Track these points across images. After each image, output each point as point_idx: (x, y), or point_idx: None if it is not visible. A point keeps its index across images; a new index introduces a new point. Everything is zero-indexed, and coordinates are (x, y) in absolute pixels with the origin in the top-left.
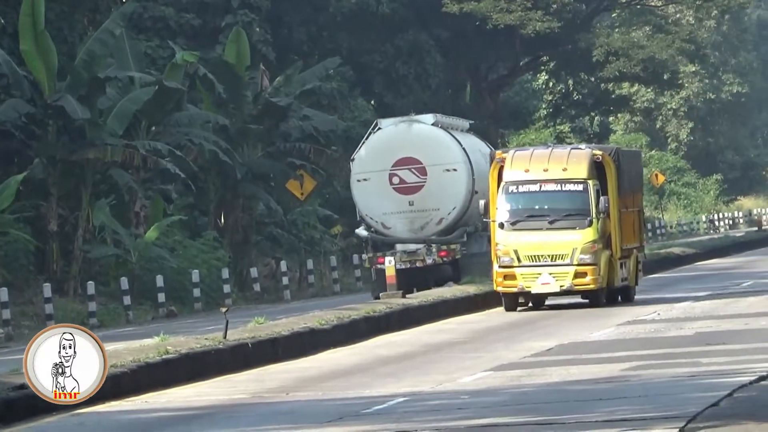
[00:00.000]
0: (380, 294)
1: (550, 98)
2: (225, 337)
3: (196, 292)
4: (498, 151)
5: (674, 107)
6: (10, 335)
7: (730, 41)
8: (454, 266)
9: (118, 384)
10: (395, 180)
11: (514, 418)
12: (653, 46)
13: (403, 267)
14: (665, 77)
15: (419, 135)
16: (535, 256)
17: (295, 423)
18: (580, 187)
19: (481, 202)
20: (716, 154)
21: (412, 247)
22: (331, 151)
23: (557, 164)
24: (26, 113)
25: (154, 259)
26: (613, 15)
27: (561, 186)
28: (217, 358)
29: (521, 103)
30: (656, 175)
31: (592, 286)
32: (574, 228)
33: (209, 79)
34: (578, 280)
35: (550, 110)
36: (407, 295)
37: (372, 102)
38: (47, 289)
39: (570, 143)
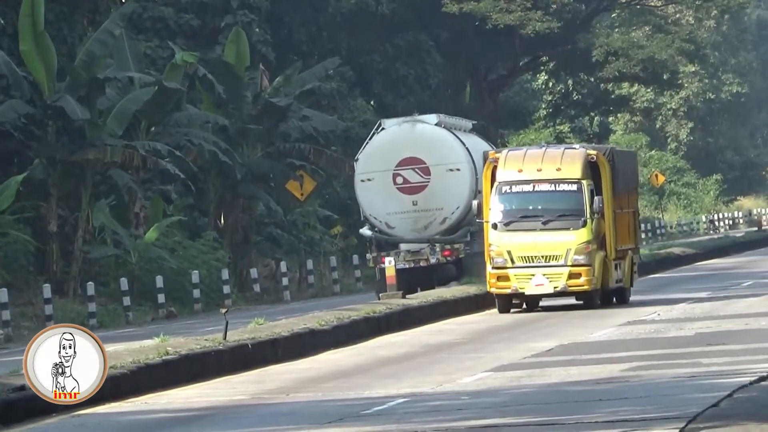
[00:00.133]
0: (380, 294)
1: (549, 98)
2: (225, 338)
3: (196, 292)
4: (491, 151)
5: (674, 107)
6: (10, 336)
7: (729, 41)
8: (457, 266)
9: (118, 385)
10: (399, 180)
11: (515, 419)
12: (653, 46)
13: (407, 266)
14: (665, 77)
15: (423, 135)
16: (528, 257)
17: (295, 424)
18: (574, 187)
19: (474, 203)
20: (716, 154)
21: (415, 246)
22: (330, 151)
23: (551, 164)
24: (26, 114)
25: (154, 260)
26: (613, 15)
27: (555, 186)
28: (217, 359)
29: (521, 103)
30: (656, 176)
31: (586, 288)
32: (568, 228)
33: (209, 80)
34: (572, 281)
35: (550, 110)
36: (408, 296)
37: (372, 102)
38: (47, 290)
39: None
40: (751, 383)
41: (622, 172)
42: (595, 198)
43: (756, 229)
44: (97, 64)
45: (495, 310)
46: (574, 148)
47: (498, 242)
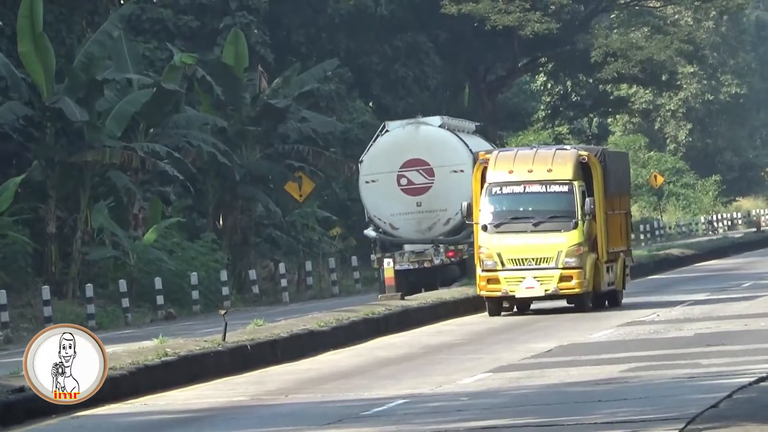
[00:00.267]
0: (378, 295)
1: (548, 99)
2: (224, 339)
3: (195, 294)
4: (481, 152)
5: (673, 108)
6: (9, 338)
7: (728, 42)
8: (461, 266)
9: (117, 386)
10: (403, 181)
11: (514, 420)
12: (652, 47)
13: (411, 267)
14: (664, 78)
15: (426, 137)
16: (519, 259)
17: (294, 425)
18: (565, 189)
19: (464, 204)
20: (715, 155)
21: (419, 247)
22: (329, 152)
23: (542, 165)
24: (24, 115)
25: (153, 261)
26: (612, 16)
27: (545, 187)
28: (216, 360)
29: (520, 104)
30: (655, 176)
31: (577, 290)
32: (558, 230)
33: (207, 81)
34: (563, 284)
35: (549, 112)
36: (408, 297)
37: (370, 104)
38: (46, 292)
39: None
40: (750, 384)
41: (614, 173)
42: (587, 199)
43: (755, 230)
44: (95, 65)
45: None
46: (565, 149)
47: (488, 244)
